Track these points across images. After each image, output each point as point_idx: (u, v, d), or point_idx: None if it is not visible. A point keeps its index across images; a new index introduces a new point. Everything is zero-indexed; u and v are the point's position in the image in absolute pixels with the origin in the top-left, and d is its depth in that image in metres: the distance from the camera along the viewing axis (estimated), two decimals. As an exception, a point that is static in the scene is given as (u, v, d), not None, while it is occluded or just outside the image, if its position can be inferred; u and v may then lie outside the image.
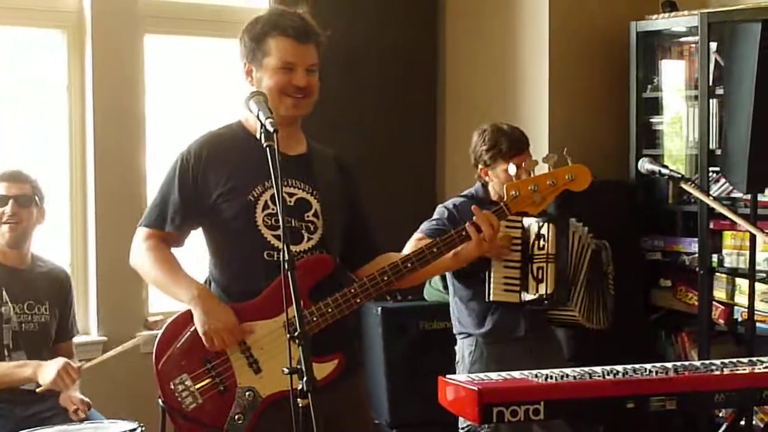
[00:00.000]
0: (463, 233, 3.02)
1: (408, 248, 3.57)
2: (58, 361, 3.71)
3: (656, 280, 4.88)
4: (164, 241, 2.95)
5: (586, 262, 3.88)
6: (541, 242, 3.77)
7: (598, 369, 3.42)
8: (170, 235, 2.94)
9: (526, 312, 3.87)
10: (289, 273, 2.40)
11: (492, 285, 3.84)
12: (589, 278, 3.89)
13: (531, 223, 3.79)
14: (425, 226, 3.85)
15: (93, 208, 4.64)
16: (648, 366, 3.42)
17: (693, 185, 3.78)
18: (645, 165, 3.65)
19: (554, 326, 4.04)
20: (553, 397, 3.15)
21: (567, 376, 3.32)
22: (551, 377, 3.29)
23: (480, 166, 3.90)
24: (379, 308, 4.72)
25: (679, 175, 3.57)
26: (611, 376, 3.30)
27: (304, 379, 2.28)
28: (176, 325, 2.94)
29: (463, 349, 3.99)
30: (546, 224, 3.76)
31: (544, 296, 3.77)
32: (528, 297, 3.80)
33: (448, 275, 4.01)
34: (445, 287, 4.82)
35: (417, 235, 3.80)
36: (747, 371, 3.45)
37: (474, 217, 3.04)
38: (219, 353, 2.84)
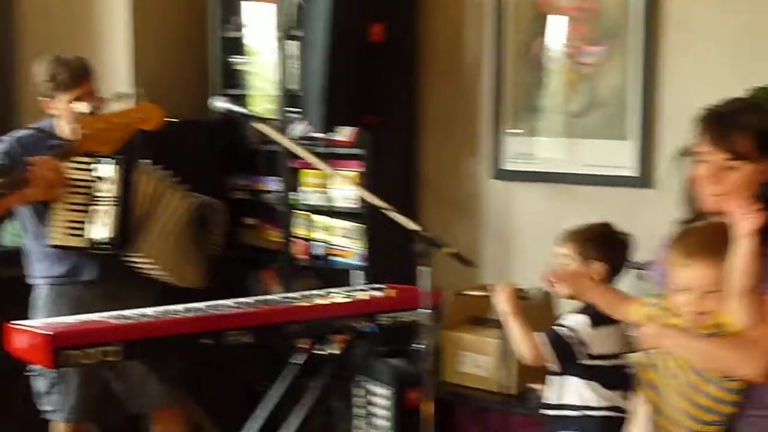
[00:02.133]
0: (23, 178, 2.88)
1: None
2: None
3: (242, 218, 4.95)
4: None
5: (167, 212, 3.82)
6: (107, 184, 3.68)
7: (178, 307, 3.44)
8: None
9: (96, 256, 3.76)
10: None
11: (53, 229, 3.70)
12: (174, 229, 3.83)
13: (99, 163, 3.68)
14: None
15: None
16: (228, 302, 3.48)
17: (268, 125, 3.85)
18: (216, 103, 3.65)
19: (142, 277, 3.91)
20: (129, 338, 3.12)
21: (144, 315, 3.30)
22: (127, 318, 3.25)
23: (43, 99, 3.74)
24: None
25: (251, 115, 3.63)
26: (189, 314, 3.33)
27: None
28: None
29: (37, 293, 3.84)
30: (112, 165, 3.67)
31: (106, 240, 3.68)
32: (93, 240, 3.70)
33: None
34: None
35: None
36: (321, 302, 3.62)
37: (34, 163, 2.90)
38: None
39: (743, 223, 2.34)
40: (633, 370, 3.05)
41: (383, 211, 3.59)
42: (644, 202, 4.04)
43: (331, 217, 4.55)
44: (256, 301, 3.56)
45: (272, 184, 4.80)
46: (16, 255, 4.56)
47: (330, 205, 4.53)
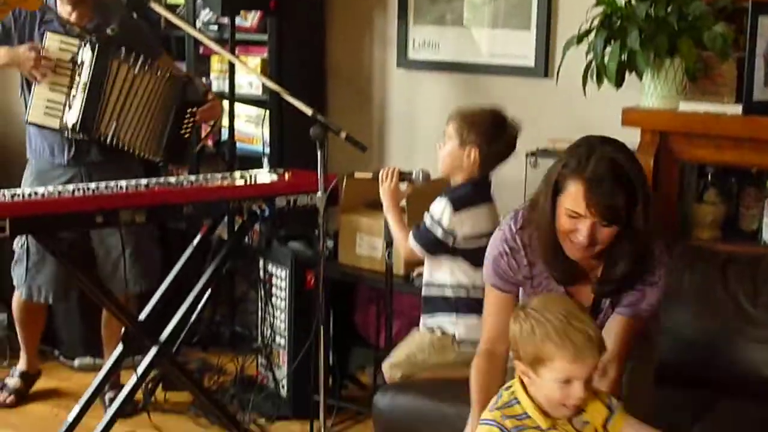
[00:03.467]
0: None
1: None
2: None
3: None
4: None
5: (142, 95, 3.79)
6: (84, 69, 3.70)
7: (70, 187, 3.49)
8: None
9: (70, 139, 3.81)
10: None
11: (32, 106, 3.74)
12: (148, 110, 3.80)
13: (81, 48, 3.71)
14: None
15: None
16: (122, 182, 3.54)
17: (172, 10, 3.87)
18: None
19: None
20: (18, 214, 3.18)
21: (35, 194, 3.36)
22: (18, 195, 3.31)
23: None
24: None
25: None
26: (81, 193, 3.38)
27: None
28: None
29: (27, 167, 3.99)
30: (88, 49, 3.69)
31: (74, 124, 3.71)
32: (65, 123, 3.73)
33: None
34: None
35: None
36: (218, 184, 3.69)
37: None
38: None
39: None
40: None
41: (282, 96, 3.66)
42: (543, 93, 4.13)
43: (237, 103, 4.57)
44: (149, 182, 3.61)
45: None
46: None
47: (236, 92, 4.55)
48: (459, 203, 3.22)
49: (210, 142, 4.64)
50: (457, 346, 3.23)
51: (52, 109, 3.74)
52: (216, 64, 4.69)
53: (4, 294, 4.35)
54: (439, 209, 3.23)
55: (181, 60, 4.79)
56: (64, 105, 3.73)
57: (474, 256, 3.18)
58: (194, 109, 3.89)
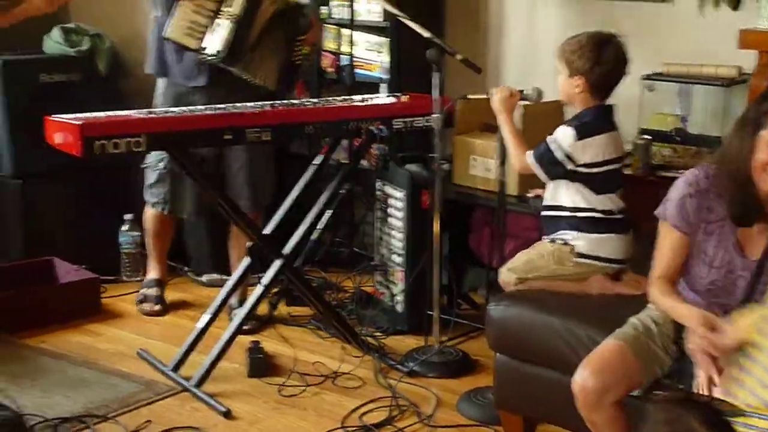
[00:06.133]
0: None
1: None
2: None
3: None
4: None
5: (261, 21, 3.90)
6: (234, 1, 3.82)
7: (202, 107, 3.69)
8: None
9: (204, 63, 3.92)
10: None
11: (174, 22, 3.84)
12: (265, 37, 3.92)
13: None
14: None
15: None
16: (249, 104, 3.72)
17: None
18: None
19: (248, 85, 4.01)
20: (153, 130, 3.39)
21: (168, 112, 3.56)
22: (154, 113, 3.52)
23: None
24: (-1, 61, 4.68)
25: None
26: (212, 111, 3.57)
27: None
28: None
29: (156, 85, 4.14)
30: None
31: (215, 53, 3.82)
32: (204, 48, 3.84)
33: None
34: (67, 41, 4.86)
35: None
36: (337, 106, 3.84)
37: None
38: None
39: None
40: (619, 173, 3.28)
41: (402, 19, 3.77)
42: (661, 15, 4.13)
43: (357, 30, 4.70)
44: (277, 103, 3.79)
45: (303, -1, 4.94)
46: (62, 62, 4.85)
47: (356, 18, 4.67)
48: (584, 130, 3.29)
49: (332, 68, 4.79)
50: (576, 258, 3.32)
51: (193, 30, 3.84)
52: (335, -8, 4.80)
53: (138, 215, 4.59)
54: (563, 134, 3.30)
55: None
56: (206, 28, 3.85)
57: (595, 183, 3.29)
58: (303, 37, 4.03)
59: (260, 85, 3.96)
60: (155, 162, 4.20)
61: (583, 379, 2.71)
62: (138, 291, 4.56)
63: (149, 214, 4.38)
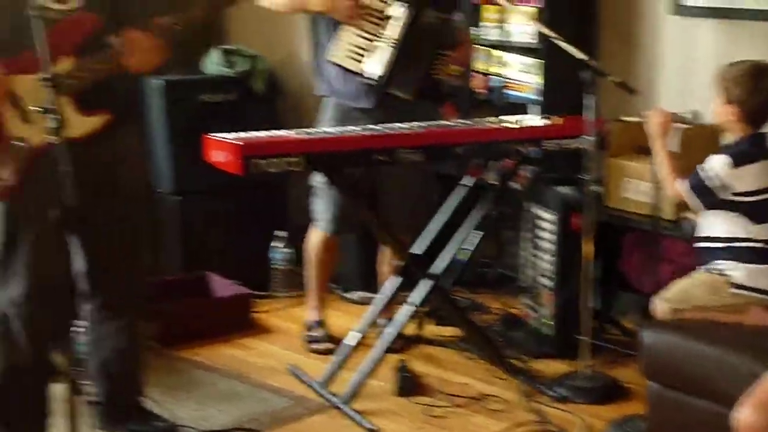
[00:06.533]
0: None
1: None
2: None
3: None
4: None
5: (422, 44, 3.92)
6: (394, 25, 3.86)
7: (356, 127, 3.75)
8: None
9: (366, 86, 3.94)
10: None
11: (337, 46, 3.91)
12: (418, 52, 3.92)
13: (393, 3, 3.87)
14: None
15: None
16: (402, 125, 3.76)
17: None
18: None
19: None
20: (310, 150, 3.47)
21: (326, 132, 3.64)
22: (311, 133, 3.60)
23: None
24: (162, 82, 4.84)
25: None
26: (366, 132, 3.63)
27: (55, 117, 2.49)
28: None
29: (324, 105, 4.17)
30: (404, 9, 3.84)
31: (375, 76, 3.86)
32: (364, 71, 3.89)
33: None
34: (226, 62, 5.01)
35: None
36: (489, 127, 3.85)
37: None
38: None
39: None
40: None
41: (555, 41, 3.75)
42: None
43: (509, 51, 4.70)
44: (429, 124, 3.82)
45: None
46: (221, 82, 5.00)
47: (508, 40, 4.67)
48: (740, 158, 3.23)
49: (482, 89, 4.79)
50: (733, 289, 3.24)
51: (354, 53, 3.89)
52: (488, 13, 4.80)
53: (291, 231, 4.64)
54: (719, 163, 3.25)
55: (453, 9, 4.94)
56: (365, 50, 3.89)
57: (753, 211, 3.22)
58: (448, 53, 4.00)
59: (397, 94, 3.95)
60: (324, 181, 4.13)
61: (745, 416, 2.62)
62: (285, 307, 4.64)
63: (315, 237, 4.29)
